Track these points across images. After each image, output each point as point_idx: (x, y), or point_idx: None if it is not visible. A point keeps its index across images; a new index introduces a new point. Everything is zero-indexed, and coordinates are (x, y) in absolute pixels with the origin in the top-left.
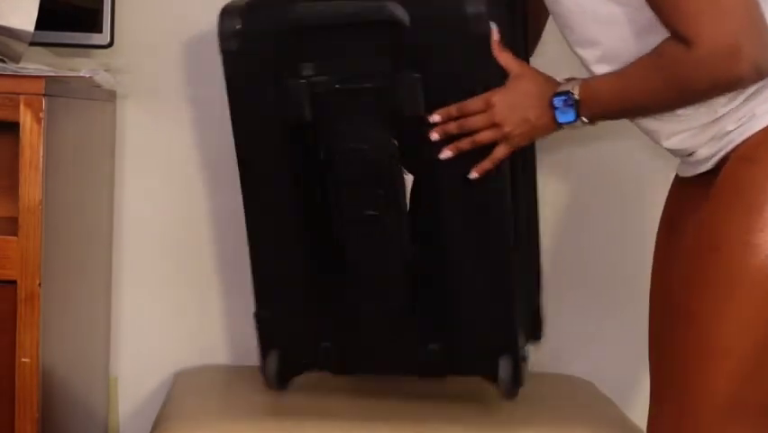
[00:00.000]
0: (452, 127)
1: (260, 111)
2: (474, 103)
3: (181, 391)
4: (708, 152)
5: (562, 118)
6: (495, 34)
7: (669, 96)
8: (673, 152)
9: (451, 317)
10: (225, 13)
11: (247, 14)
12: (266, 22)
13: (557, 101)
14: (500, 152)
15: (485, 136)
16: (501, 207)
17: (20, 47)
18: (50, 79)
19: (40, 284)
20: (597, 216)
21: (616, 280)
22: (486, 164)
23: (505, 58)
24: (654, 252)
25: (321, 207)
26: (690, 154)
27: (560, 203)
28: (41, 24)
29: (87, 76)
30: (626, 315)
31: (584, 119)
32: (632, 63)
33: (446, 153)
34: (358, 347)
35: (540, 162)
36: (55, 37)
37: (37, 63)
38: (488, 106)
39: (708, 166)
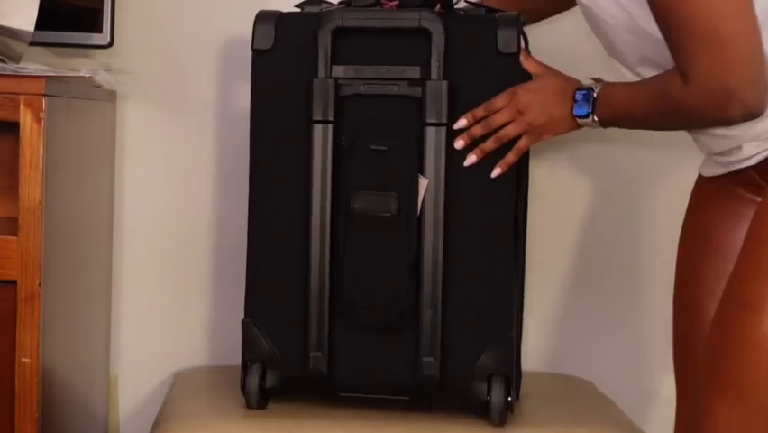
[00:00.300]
0: (477, 130)
1: (284, 110)
2: (500, 98)
3: (181, 391)
4: (753, 151)
5: (577, 110)
6: (521, 43)
7: (668, 119)
8: (716, 139)
9: (448, 330)
10: (262, 14)
11: (283, 16)
12: (301, 23)
13: (578, 94)
14: (523, 142)
15: (509, 130)
16: (508, 218)
17: (20, 47)
18: (50, 79)
19: (40, 284)
20: (597, 216)
21: (616, 280)
22: (509, 157)
23: (530, 62)
24: (679, 253)
25: (331, 210)
26: (731, 151)
27: (560, 203)
28: (41, 24)
29: (87, 76)
30: (627, 315)
31: (596, 118)
32: (645, 80)
33: (471, 159)
34: (351, 356)
35: (540, 162)
36: (55, 37)
37: (37, 63)
38: (512, 96)
39: (750, 162)
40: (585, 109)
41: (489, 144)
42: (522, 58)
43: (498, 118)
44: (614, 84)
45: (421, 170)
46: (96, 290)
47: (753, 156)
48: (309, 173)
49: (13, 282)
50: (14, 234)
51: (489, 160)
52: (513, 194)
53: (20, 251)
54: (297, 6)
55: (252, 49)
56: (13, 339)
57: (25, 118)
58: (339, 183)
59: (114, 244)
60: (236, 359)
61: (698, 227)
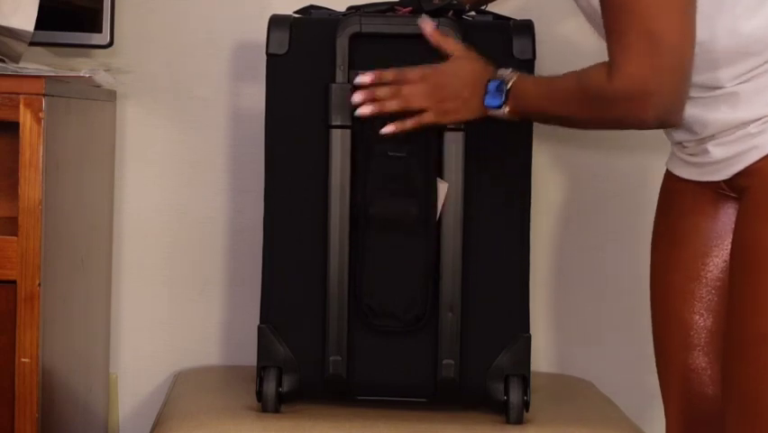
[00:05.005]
0: (383, 91)
1: (300, 114)
2: (414, 71)
3: (181, 391)
4: (722, 154)
5: (489, 101)
6: (429, 27)
7: (584, 116)
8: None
9: (467, 331)
10: (275, 18)
11: (298, 21)
12: (316, 28)
13: (491, 85)
14: (427, 118)
15: (416, 101)
16: (524, 221)
17: (20, 47)
18: (50, 79)
19: (39, 284)
20: (597, 216)
21: (616, 280)
22: (408, 123)
23: (446, 42)
24: (651, 254)
25: (349, 214)
26: (698, 152)
27: (559, 202)
28: (41, 24)
29: (87, 76)
30: (627, 315)
31: (506, 109)
32: (564, 74)
33: (389, 129)
34: (369, 359)
35: (540, 159)
36: (55, 37)
37: (37, 63)
38: (427, 72)
39: (723, 176)
40: (497, 101)
41: (392, 105)
42: (438, 37)
43: (409, 90)
44: (529, 77)
45: (440, 175)
46: (95, 290)
47: (721, 162)
48: (328, 178)
49: (13, 282)
50: (14, 234)
51: (505, 162)
52: (529, 197)
53: (20, 251)
54: (297, 12)
55: (267, 53)
56: (12, 339)
57: (25, 118)
58: (357, 188)
59: (114, 244)
60: (236, 359)
61: (668, 229)
